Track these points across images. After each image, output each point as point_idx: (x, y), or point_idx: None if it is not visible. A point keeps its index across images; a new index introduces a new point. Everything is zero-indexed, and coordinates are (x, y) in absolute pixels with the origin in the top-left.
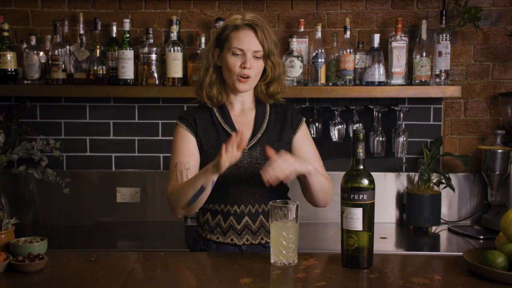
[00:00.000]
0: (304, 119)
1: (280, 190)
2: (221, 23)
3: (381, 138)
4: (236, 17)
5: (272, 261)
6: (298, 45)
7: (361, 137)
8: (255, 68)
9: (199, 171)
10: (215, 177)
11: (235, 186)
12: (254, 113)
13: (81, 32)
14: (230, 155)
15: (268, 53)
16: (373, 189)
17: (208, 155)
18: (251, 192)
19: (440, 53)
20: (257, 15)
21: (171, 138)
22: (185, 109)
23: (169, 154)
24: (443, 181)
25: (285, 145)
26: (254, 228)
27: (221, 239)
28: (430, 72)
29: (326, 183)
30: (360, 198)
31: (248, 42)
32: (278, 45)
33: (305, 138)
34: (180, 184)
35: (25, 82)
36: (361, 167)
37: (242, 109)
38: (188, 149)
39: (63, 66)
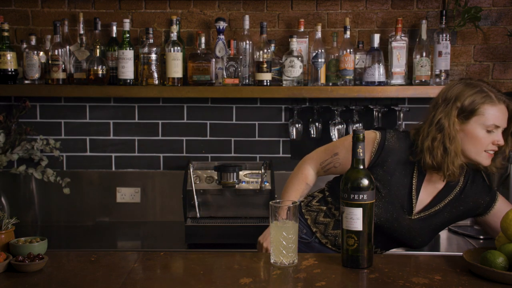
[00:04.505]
0: (498, 194)
1: None
2: (220, 22)
3: None
4: (487, 93)
5: (272, 261)
6: (298, 45)
7: (361, 137)
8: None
9: None
10: None
11: (384, 235)
12: (442, 186)
13: (81, 32)
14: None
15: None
16: (373, 189)
17: (376, 190)
18: (389, 245)
19: (440, 53)
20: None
21: (171, 138)
22: (185, 109)
23: (170, 154)
24: None
25: (447, 221)
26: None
27: (323, 241)
28: (430, 72)
29: None
30: (360, 198)
31: (503, 119)
32: None
33: (502, 210)
34: (290, 182)
35: (25, 82)
36: (361, 167)
37: (431, 175)
38: (348, 161)
39: (63, 66)
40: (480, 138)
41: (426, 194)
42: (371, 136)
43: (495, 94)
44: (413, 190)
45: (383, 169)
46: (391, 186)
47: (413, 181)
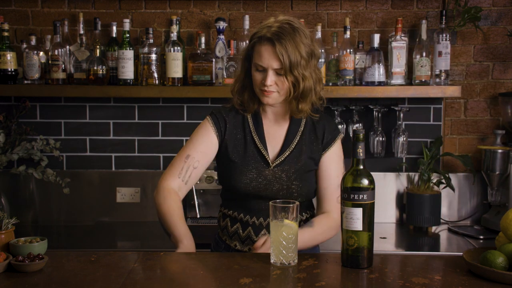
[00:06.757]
0: (339, 136)
1: (302, 208)
2: (220, 22)
3: (381, 138)
4: (267, 23)
5: (272, 261)
6: None
7: (361, 137)
8: (278, 85)
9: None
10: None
11: (256, 199)
12: (287, 126)
13: (81, 32)
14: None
15: (290, 68)
16: (373, 189)
17: (232, 164)
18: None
19: (440, 53)
20: (289, 21)
21: (171, 138)
22: (185, 109)
23: (170, 154)
24: (443, 181)
25: (311, 163)
26: None
27: (239, 247)
28: (430, 72)
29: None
30: (360, 198)
31: (268, 59)
32: (308, 56)
33: (331, 160)
34: (168, 207)
35: (25, 82)
36: (361, 167)
37: (276, 119)
38: (205, 147)
39: (63, 66)
40: (254, 77)
41: (274, 140)
42: (205, 123)
43: (268, 28)
44: (257, 142)
45: (224, 140)
46: (239, 149)
47: (253, 133)
